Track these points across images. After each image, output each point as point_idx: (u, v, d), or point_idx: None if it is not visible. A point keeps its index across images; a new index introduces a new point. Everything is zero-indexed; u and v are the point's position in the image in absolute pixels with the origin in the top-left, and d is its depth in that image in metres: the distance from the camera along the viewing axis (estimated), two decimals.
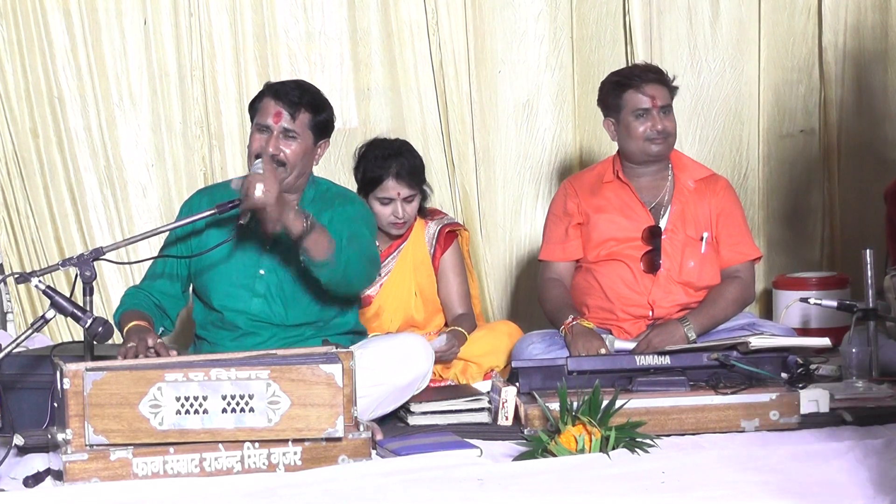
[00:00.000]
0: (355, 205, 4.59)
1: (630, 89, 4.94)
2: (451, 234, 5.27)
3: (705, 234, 4.98)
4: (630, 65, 5.20)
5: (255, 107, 4.53)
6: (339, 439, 3.92)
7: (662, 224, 4.98)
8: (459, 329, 5.06)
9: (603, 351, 4.71)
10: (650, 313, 4.93)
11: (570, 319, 4.83)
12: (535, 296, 5.51)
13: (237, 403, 3.87)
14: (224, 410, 3.86)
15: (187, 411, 3.85)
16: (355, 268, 4.34)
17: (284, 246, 4.46)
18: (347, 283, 4.39)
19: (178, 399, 3.84)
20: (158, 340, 4.16)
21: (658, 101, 4.93)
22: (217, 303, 4.50)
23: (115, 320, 4.41)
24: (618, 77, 5.06)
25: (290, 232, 4.20)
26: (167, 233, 4.58)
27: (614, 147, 5.15)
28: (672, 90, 4.99)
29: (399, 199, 5.10)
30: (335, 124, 4.61)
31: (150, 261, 4.62)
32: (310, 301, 4.47)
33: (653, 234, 4.95)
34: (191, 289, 4.62)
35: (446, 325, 5.21)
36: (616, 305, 4.96)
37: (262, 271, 4.48)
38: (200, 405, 3.86)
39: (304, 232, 4.18)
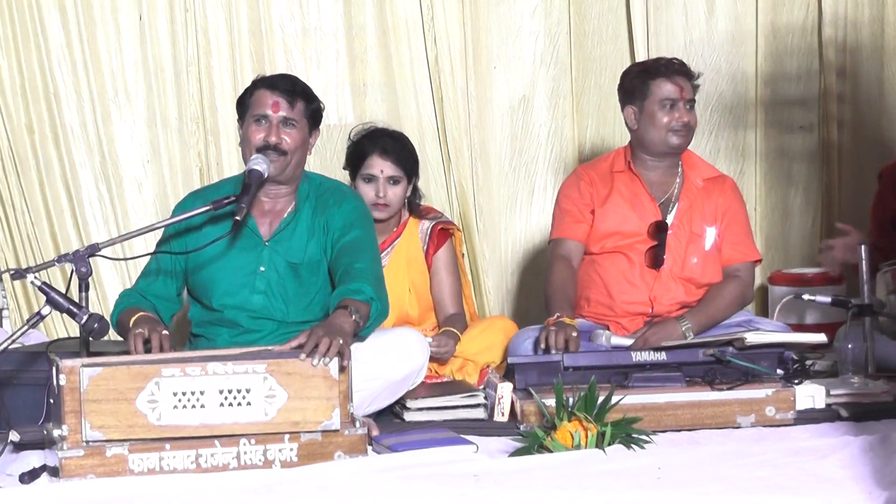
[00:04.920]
0: (350, 201, 4.58)
1: (660, 78, 4.94)
2: (443, 232, 5.26)
3: (712, 228, 4.98)
4: (655, 58, 5.19)
5: (245, 102, 4.53)
6: (335, 432, 3.92)
7: (669, 220, 4.97)
8: (452, 329, 5.05)
9: (574, 335, 4.62)
10: (650, 310, 4.93)
11: (555, 316, 4.74)
12: (532, 291, 5.53)
13: (234, 398, 3.88)
14: (221, 405, 3.87)
15: (185, 406, 3.85)
16: (385, 305, 4.35)
17: (284, 244, 4.46)
18: (382, 320, 4.39)
19: (175, 394, 3.84)
20: (164, 333, 4.15)
21: (685, 94, 4.94)
22: (216, 301, 4.49)
23: (112, 320, 4.40)
24: (646, 66, 5.07)
25: (355, 333, 4.14)
26: (162, 230, 4.58)
27: (616, 142, 5.14)
28: (695, 87, 5.00)
29: (382, 177, 5.09)
30: (331, 120, 4.62)
31: (146, 256, 4.61)
32: (312, 300, 4.47)
33: (659, 229, 4.94)
34: (185, 290, 4.61)
35: (438, 324, 5.20)
36: (616, 301, 4.95)
37: (262, 268, 4.48)
38: (198, 400, 3.86)
39: (359, 325, 4.15)
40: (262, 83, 4.53)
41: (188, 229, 4.52)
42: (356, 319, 4.10)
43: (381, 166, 5.10)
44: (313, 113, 4.54)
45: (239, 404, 3.88)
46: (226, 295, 4.49)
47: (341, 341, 3.94)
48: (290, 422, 3.90)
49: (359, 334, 4.20)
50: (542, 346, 4.59)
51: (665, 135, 4.94)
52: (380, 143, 5.11)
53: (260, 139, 4.45)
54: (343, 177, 5.19)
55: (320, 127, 4.62)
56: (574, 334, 4.60)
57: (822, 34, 6.09)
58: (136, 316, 4.26)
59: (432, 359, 4.86)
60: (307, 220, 4.50)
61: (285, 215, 4.52)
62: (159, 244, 4.61)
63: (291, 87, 4.50)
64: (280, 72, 5.67)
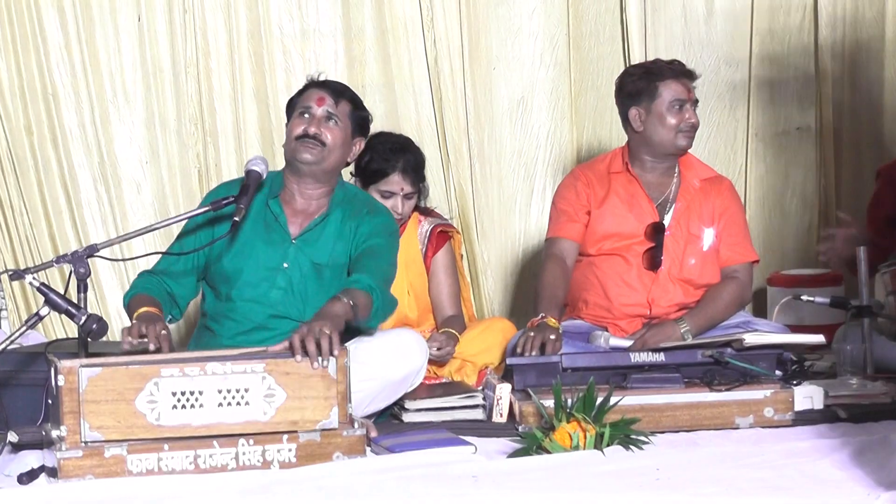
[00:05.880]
0: (382, 216, 4.60)
1: (669, 79, 4.92)
2: (442, 234, 5.27)
3: (710, 229, 4.97)
4: (653, 59, 5.18)
5: (294, 101, 4.60)
6: (333, 432, 3.92)
7: (666, 221, 4.96)
8: (452, 330, 5.05)
9: (552, 337, 4.59)
10: (648, 312, 4.92)
11: (539, 317, 4.73)
12: (531, 292, 5.50)
13: (233, 397, 3.88)
14: (220, 404, 3.88)
15: (184, 406, 3.85)
16: (389, 299, 4.37)
17: (311, 243, 4.46)
18: (388, 313, 4.41)
19: (174, 394, 3.85)
20: (163, 332, 4.14)
21: (692, 95, 4.94)
22: (235, 291, 4.49)
23: (124, 302, 4.42)
24: (649, 67, 5.03)
25: (349, 322, 4.16)
26: (164, 231, 4.57)
27: (612, 143, 5.13)
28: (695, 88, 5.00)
29: (401, 194, 5.11)
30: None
31: (145, 257, 4.61)
32: None
33: (656, 231, 4.94)
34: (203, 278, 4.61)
35: (436, 326, 5.20)
36: (614, 303, 4.94)
37: (286, 265, 4.48)
38: (197, 399, 3.86)
39: (354, 314, 4.16)
40: (312, 84, 4.62)
41: (217, 219, 4.51)
42: (348, 301, 4.11)
43: (401, 185, 5.11)
44: (359, 119, 4.59)
45: (238, 404, 3.88)
46: (246, 286, 4.49)
47: (327, 330, 3.93)
48: (289, 421, 3.90)
49: (363, 324, 4.21)
50: (520, 350, 4.57)
51: (674, 136, 4.93)
52: (400, 163, 5.11)
53: (301, 130, 4.49)
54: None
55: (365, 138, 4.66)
56: (552, 336, 4.58)
57: (819, 35, 6.09)
58: (140, 311, 4.26)
59: (432, 360, 4.86)
60: (336, 223, 4.52)
61: (316, 216, 4.53)
62: (181, 234, 4.59)
63: (340, 88, 4.59)
64: (279, 73, 5.71)
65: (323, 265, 4.48)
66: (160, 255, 4.59)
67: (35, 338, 5.22)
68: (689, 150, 5.07)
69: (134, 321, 4.20)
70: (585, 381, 4.12)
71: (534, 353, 4.53)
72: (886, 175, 5.39)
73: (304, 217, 4.54)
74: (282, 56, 5.92)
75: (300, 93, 4.61)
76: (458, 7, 5.95)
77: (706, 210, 5.00)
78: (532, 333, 4.60)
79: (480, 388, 4.75)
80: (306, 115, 4.52)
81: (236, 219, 4.29)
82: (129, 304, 4.37)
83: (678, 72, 4.95)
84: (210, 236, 4.51)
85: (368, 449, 4.06)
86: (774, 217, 6.20)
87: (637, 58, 5.90)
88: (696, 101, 4.98)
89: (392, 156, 5.12)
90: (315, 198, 4.56)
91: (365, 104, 5.91)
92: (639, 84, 4.96)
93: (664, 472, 3.79)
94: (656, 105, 4.92)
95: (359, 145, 4.63)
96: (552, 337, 4.58)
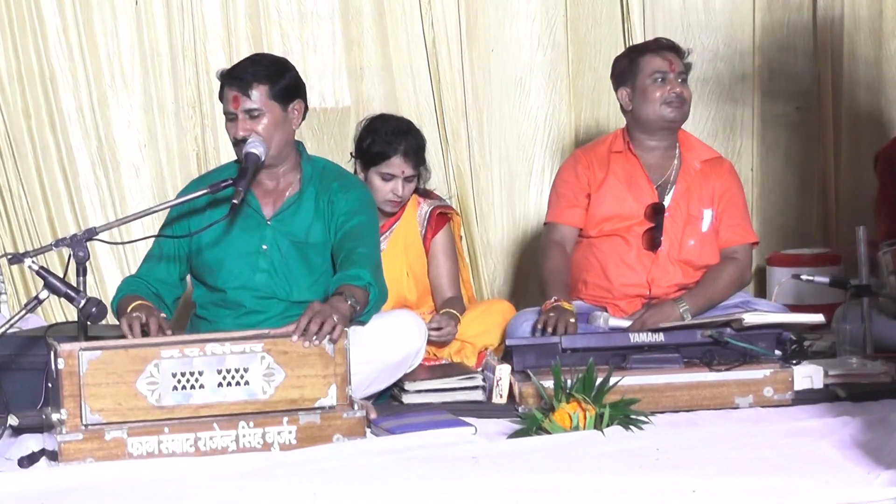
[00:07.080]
0: (356, 189, 4.58)
1: (648, 54, 4.94)
2: (442, 216, 5.26)
3: (710, 211, 4.96)
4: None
5: (220, 98, 4.52)
6: (333, 412, 3.93)
7: (666, 202, 4.96)
8: (453, 311, 5.05)
9: (572, 320, 4.64)
10: (648, 292, 4.92)
11: (553, 300, 4.75)
12: (529, 273, 5.52)
13: (232, 377, 3.89)
14: (220, 385, 3.89)
15: (184, 387, 3.87)
16: (383, 292, 4.36)
17: (287, 223, 4.46)
18: (379, 308, 4.39)
19: (174, 375, 3.86)
20: (163, 315, 4.15)
21: (675, 67, 4.93)
22: (221, 282, 4.49)
23: (112, 307, 4.40)
24: (634, 47, 5.11)
25: (351, 318, 4.15)
26: (163, 215, 4.57)
27: (610, 125, 5.12)
28: (687, 64, 4.98)
29: (401, 177, 5.10)
30: (328, 104, 4.60)
31: (144, 240, 4.61)
32: (316, 279, 4.46)
33: (655, 211, 4.93)
34: (188, 274, 4.61)
35: (435, 307, 5.20)
36: (614, 284, 4.94)
37: (264, 246, 4.48)
38: (197, 380, 3.87)
39: (356, 310, 4.15)
40: (223, 78, 4.49)
41: (191, 212, 4.52)
42: (352, 304, 4.11)
43: (402, 167, 5.10)
44: (282, 91, 4.45)
45: (238, 384, 3.90)
46: (230, 275, 4.49)
47: (335, 318, 3.94)
48: (288, 399, 3.92)
49: (357, 319, 4.20)
50: (541, 326, 4.58)
51: (659, 108, 4.92)
52: (402, 146, 5.08)
53: (233, 136, 4.45)
54: (339, 159, 5.18)
55: (306, 99, 4.55)
56: (572, 319, 4.61)
57: (817, 14, 6.08)
58: (134, 304, 4.26)
59: (433, 342, 4.86)
60: (311, 200, 4.51)
61: (289, 195, 4.52)
62: (162, 229, 4.60)
63: (250, 76, 4.43)
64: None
65: (302, 243, 4.47)
66: (143, 259, 4.59)
67: (34, 321, 5.21)
68: (690, 131, 5.07)
69: (130, 312, 4.18)
70: (585, 362, 4.13)
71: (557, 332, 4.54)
72: (885, 158, 5.38)
73: (275, 197, 4.53)
74: (279, 39, 5.91)
75: (221, 88, 4.48)
76: None
77: (706, 191, 5.00)
78: (552, 314, 4.60)
79: (480, 369, 4.76)
80: (231, 118, 4.43)
81: (235, 202, 4.28)
82: (119, 307, 4.35)
83: (661, 46, 4.98)
84: (187, 229, 4.50)
85: (368, 431, 4.07)
86: (774, 197, 6.20)
87: (637, 40, 5.89)
88: (683, 73, 4.95)
89: (394, 139, 5.11)
90: (281, 175, 4.54)
91: (365, 87, 5.91)
92: (623, 64, 5.00)
93: (664, 452, 3.79)
94: (639, 80, 4.93)
95: (299, 107, 4.51)
96: (572, 320, 4.60)
